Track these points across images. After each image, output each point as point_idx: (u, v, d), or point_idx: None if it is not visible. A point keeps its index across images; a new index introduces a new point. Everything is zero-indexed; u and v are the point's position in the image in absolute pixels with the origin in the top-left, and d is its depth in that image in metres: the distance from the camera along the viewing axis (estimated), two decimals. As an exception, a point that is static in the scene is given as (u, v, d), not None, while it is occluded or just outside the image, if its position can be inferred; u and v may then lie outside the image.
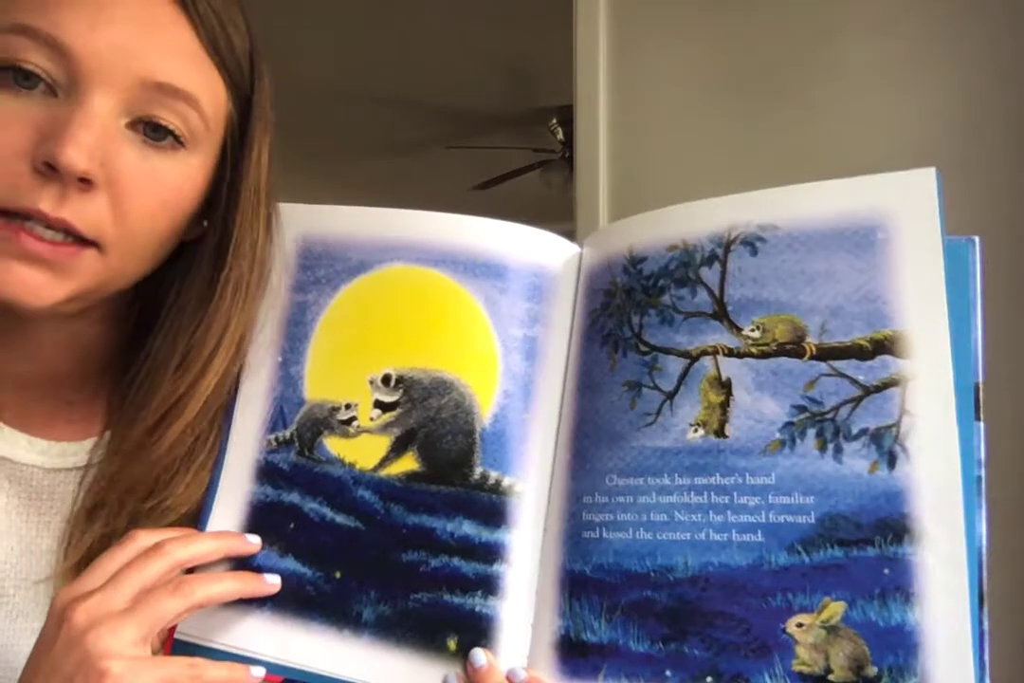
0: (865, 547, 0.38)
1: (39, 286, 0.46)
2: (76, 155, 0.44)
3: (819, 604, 0.38)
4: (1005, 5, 1.24)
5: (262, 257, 0.52)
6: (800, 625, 0.39)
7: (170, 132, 0.48)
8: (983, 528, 0.39)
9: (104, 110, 0.46)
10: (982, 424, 0.40)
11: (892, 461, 0.38)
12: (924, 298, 0.39)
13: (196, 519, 0.52)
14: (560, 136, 3.41)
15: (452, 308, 0.49)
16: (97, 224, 0.46)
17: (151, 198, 0.48)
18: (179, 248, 0.53)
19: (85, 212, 0.46)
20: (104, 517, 0.52)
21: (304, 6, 2.56)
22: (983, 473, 0.39)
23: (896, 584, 0.37)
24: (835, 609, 0.38)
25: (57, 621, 0.42)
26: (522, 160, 3.57)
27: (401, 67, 2.99)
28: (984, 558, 0.39)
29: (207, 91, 0.49)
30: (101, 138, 0.46)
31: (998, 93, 1.23)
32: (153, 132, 0.48)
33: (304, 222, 0.52)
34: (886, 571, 0.38)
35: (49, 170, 0.45)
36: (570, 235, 0.52)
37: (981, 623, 0.38)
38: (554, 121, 3.37)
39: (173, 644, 0.47)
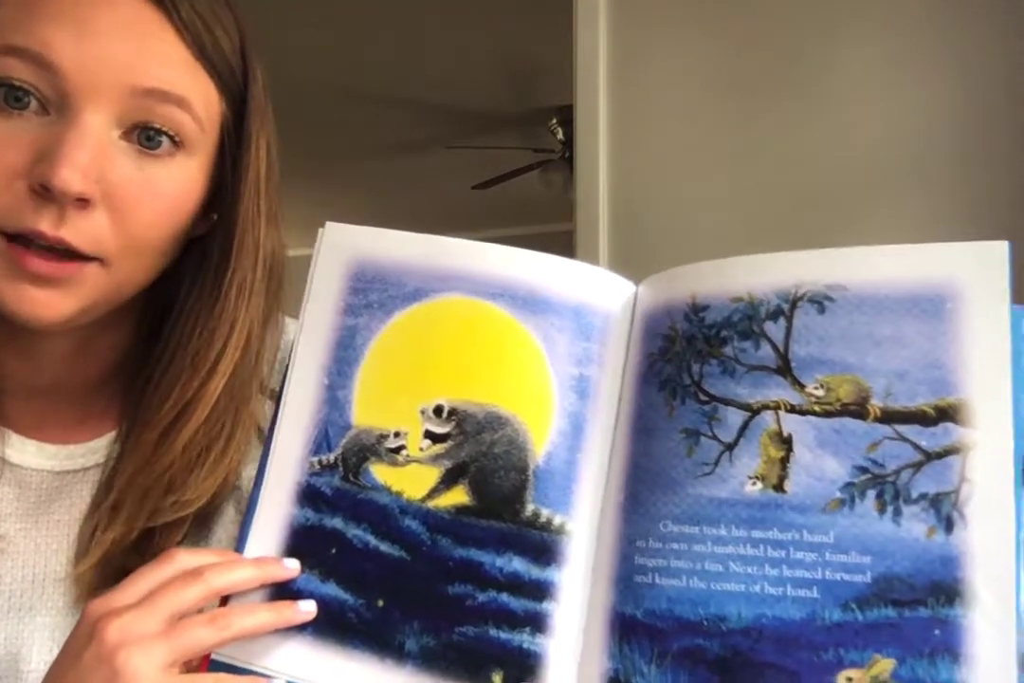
0: (917, 608, 0.39)
1: (49, 304, 0.47)
2: (71, 177, 0.44)
3: (870, 660, 0.40)
4: (1007, 2, 1.25)
5: (266, 254, 0.53)
6: (849, 679, 0.40)
7: (165, 136, 0.48)
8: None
9: (96, 125, 0.46)
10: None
11: (950, 526, 0.40)
12: (989, 368, 0.40)
13: (209, 509, 0.53)
14: (560, 136, 3.42)
15: (509, 343, 0.49)
16: (97, 240, 0.47)
17: (150, 209, 0.48)
18: (189, 244, 0.53)
19: (84, 230, 0.46)
20: (124, 515, 0.52)
21: (304, 6, 2.53)
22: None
23: (946, 645, 0.39)
24: (885, 666, 0.40)
25: (87, 633, 0.42)
26: (522, 160, 3.58)
27: (401, 67, 2.99)
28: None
29: (198, 93, 0.49)
30: (95, 155, 0.46)
31: (1000, 91, 1.24)
32: (148, 141, 0.48)
33: (357, 244, 0.52)
34: (936, 632, 0.39)
35: (45, 191, 0.45)
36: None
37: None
38: (554, 121, 3.38)
39: (210, 664, 0.47)
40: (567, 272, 0.49)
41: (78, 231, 0.46)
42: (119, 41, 0.46)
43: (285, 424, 0.51)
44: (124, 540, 0.52)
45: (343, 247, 0.52)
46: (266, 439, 0.51)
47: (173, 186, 0.49)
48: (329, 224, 0.53)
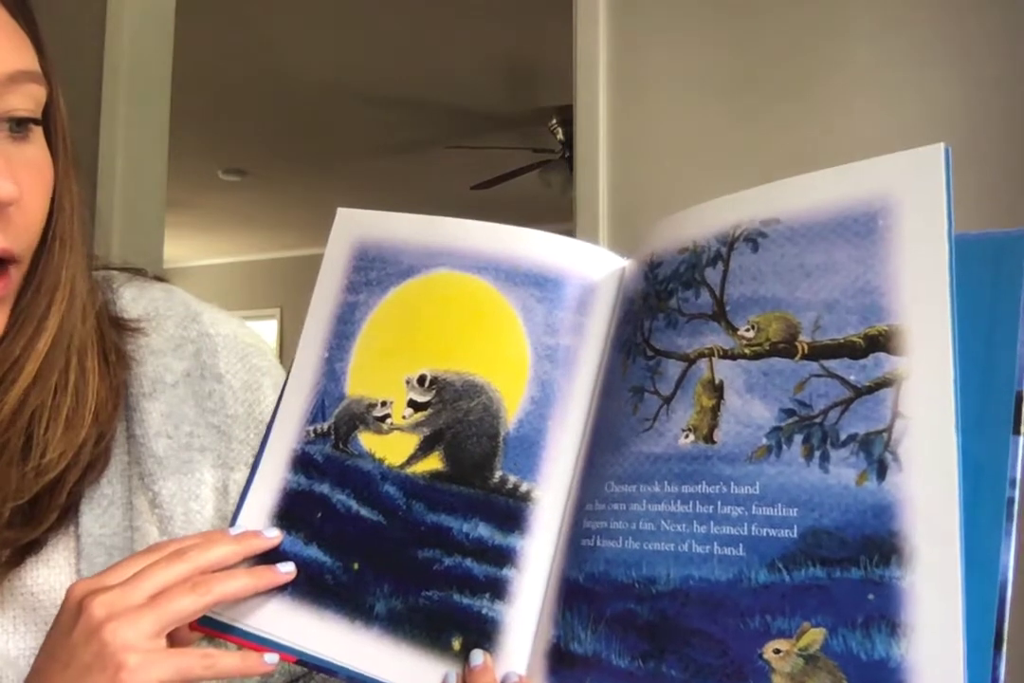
0: (849, 567, 0.34)
1: None
2: (6, 185, 0.44)
3: (798, 629, 0.35)
4: (1007, 2, 1.20)
5: (80, 207, 0.52)
6: (777, 651, 0.35)
7: (29, 120, 0.48)
8: (1011, 559, 0.33)
9: None
10: (1022, 438, 0.34)
11: (882, 471, 0.34)
12: (925, 290, 0.34)
13: (87, 468, 0.52)
14: (560, 136, 3.38)
15: (489, 313, 0.50)
16: (23, 237, 0.47)
17: (41, 190, 0.48)
18: None
19: (8, 231, 0.46)
20: None
21: (304, 6, 2.61)
22: (1016, 495, 0.34)
23: (881, 612, 0.33)
24: (814, 636, 0.34)
25: (74, 611, 0.42)
26: (522, 160, 3.55)
27: (401, 67, 3.02)
28: (1008, 594, 0.33)
29: (35, 61, 0.49)
30: None
31: (1001, 90, 1.19)
32: (17, 127, 0.47)
33: (363, 226, 0.55)
34: (871, 596, 0.33)
35: None
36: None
37: (996, 669, 0.32)
38: (554, 121, 3.35)
39: (201, 619, 0.48)
40: (551, 245, 0.50)
41: (7, 235, 0.45)
42: None
43: (288, 395, 0.54)
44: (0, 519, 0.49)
45: (350, 230, 0.55)
46: (273, 410, 0.55)
47: (46, 160, 0.48)
48: (340, 210, 0.56)
